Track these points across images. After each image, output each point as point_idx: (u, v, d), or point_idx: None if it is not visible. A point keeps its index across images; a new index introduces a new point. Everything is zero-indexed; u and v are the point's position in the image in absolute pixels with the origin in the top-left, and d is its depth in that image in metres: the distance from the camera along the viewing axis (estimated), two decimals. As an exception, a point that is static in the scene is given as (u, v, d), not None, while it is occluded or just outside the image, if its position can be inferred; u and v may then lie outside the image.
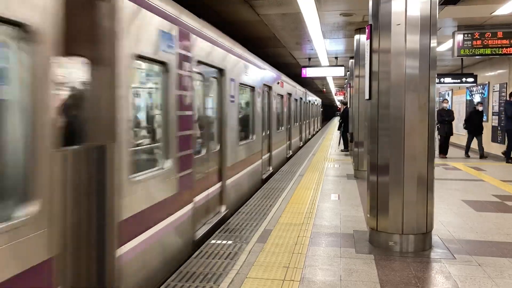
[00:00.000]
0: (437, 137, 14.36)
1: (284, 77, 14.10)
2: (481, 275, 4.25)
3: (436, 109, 16.35)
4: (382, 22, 4.86)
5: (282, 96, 13.32)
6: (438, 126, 14.30)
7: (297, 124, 17.99)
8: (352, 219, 6.36)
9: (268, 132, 11.08)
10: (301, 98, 19.65)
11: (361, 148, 10.19)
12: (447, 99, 16.26)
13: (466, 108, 17.60)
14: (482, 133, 14.24)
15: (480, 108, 14.26)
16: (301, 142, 20.11)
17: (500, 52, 10.19)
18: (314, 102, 29.88)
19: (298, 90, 18.32)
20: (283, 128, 13.66)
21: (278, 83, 12.30)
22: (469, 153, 14.57)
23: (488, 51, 10.23)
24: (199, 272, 4.26)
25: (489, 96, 15.35)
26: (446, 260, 4.66)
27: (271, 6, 8.57)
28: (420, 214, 4.90)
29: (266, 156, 10.65)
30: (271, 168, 11.25)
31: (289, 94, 15.27)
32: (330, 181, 9.66)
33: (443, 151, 14.39)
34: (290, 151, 15.55)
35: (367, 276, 4.21)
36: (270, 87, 11.13)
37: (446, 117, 14.34)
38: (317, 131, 33.75)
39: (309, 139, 24.95)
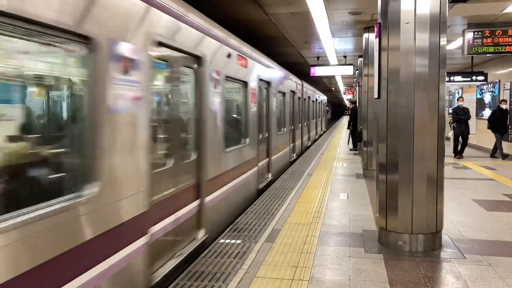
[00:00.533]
0: (451, 136, 13.99)
1: (251, 52, 8.12)
2: (491, 275, 4.21)
3: (446, 107, 15.95)
4: (391, 20, 4.83)
5: (245, 83, 7.66)
6: (454, 126, 13.77)
7: (284, 129, 12.33)
8: (361, 218, 6.34)
9: (196, 156, 5.24)
10: (293, 92, 13.97)
11: (370, 147, 10.15)
12: (462, 97, 15.29)
13: (477, 106, 17.43)
14: (506, 133, 13.67)
15: (504, 106, 13.54)
16: (294, 154, 14.39)
17: (510, 49, 10.08)
18: (316, 99, 23.60)
19: (285, 79, 12.15)
20: (247, 141, 7.71)
21: (230, 56, 6.58)
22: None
23: (498, 49, 10.13)
24: (208, 271, 4.27)
25: (499, 94, 15.20)
26: (456, 260, 4.62)
27: (280, 5, 8.55)
28: (430, 213, 4.87)
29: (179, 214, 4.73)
30: (201, 234, 5.31)
31: (267, 83, 9.70)
32: (339, 180, 9.63)
33: (458, 152, 13.81)
34: (270, 175, 9.91)
35: (376, 275, 4.20)
36: (197, 59, 5.23)
37: (462, 115, 13.75)
38: (321, 135, 27.70)
39: (309, 146, 19.32)
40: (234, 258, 4.61)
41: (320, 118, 27.72)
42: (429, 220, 4.87)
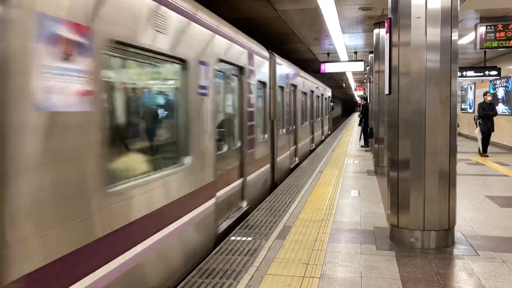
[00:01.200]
0: (478, 134, 13.45)
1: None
2: (505, 272, 4.16)
3: (458, 103, 15.48)
4: (402, 15, 4.79)
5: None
6: (479, 122, 13.11)
7: (226, 148, 6.10)
8: (373, 215, 6.30)
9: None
10: (250, 72, 7.24)
11: (381, 144, 10.09)
12: (489, 92, 14.06)
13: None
14: None
15: None
16: (271, 182, 9.04)
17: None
18: (312, 92, 16.65)
19: (222, 38, 5.80)
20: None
21: None
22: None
23: (512, 43, 9.98)
24: (219, 268, 4.28)
25: (513, 89, 14.99)
26: (469, 257, 4.58)
27: (289, 1, 8.52)
28: (442, 210, 4.82)
29: None
30: None
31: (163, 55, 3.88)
32: (350, 177, 9.59)
33: (486, 149, 13.11)
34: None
35: (388, 273, 4.17)
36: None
37: (489, 111, 12.96)
38: (323, 141, 20.50)
39: (297, 165, 12.17)
40: (245, 256, 4.61)
41: (320, 119, 20.23)
42: (442, 217, 4.83)
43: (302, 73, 14.23)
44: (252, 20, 10.07)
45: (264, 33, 11.46)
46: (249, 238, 5.19)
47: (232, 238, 5.24)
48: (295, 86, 12.37)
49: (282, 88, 10.22)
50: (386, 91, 5.11)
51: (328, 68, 15.35)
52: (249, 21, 10.07)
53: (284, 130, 10.47)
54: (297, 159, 12.63)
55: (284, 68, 10.56)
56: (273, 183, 9.20)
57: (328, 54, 16.00)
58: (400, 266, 4.33)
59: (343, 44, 13.81)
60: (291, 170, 11.21)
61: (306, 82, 14.84)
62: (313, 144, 17.25)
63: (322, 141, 20.24)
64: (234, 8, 8.98)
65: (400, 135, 4.91)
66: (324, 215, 6.25)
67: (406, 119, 4.85)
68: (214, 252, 4.77)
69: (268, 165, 8.71)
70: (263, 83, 8.40)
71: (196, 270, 4.26)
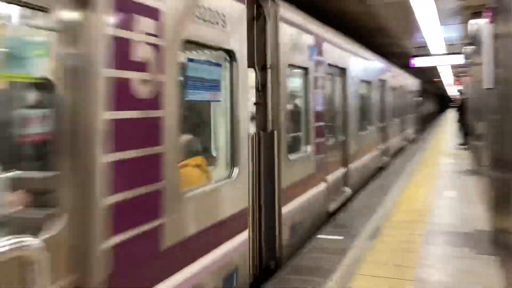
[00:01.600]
0: None
1: None
2: None
3: None
4: (506, 3, 4.45)
5: None
6: None
7: None
8: (471, 217, 5.94)
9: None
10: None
11: (482, 142, 9.47)
12: None
13: None
14: None
15: None
16: None
17: None
18: (384, 83, 12.43)
19: None
20: None
21: None
22: None
23: None
24: (308, 266, 4.29)
25: None
26: None
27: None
28: (553, 213, 4.42)
29: None
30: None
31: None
32: (446, 177, 9.13)
33: None
34: None
35: (489, 278, 3.91)
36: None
37: None
38: (404, 146, 15.95)
39: (350, 197, 7.69)
40: (334, 254, 4.58)
41: (399, 119, 15.28)
42: (552, 221, 4.42)
43: (362, 51, 9.66)
44: (340, 15, 9.95)
45: (353, 29, 11.28)
46: (339, 237, 5.15)
47: (321, 236, 5.22)
48: (343, 69, 7.84)
49: (305, 69, 5.74)
50: (488, 85, 4.80)
51: (419, 62, 14.66)
52: (337, 16, 9.95)
53: (308, 148, 5.69)
54: (348, 189, 7.60)
55: (308, 32, 5.77)
56: (275, 265, 4.42)
57: (419, 47, 15.29)
58: (503, 272, 4.03)
59: (438, 37, 13.16)
60: (330, 215, 6.32)
61: (369, 65, 10.21)
62: (386, 157, 11.86)
63: (401, 148, 15.34)
64: (323, 2, 8.91)
65: (504, 132, 4.57)
66: (417, 216, 6.00)
67: (510, 115, 4.51)
68: (305, 251, 4.79)
69: (245, 235, 3.79)
70: (227, 53, 3.76)
71: (288, 267, 4.31)
